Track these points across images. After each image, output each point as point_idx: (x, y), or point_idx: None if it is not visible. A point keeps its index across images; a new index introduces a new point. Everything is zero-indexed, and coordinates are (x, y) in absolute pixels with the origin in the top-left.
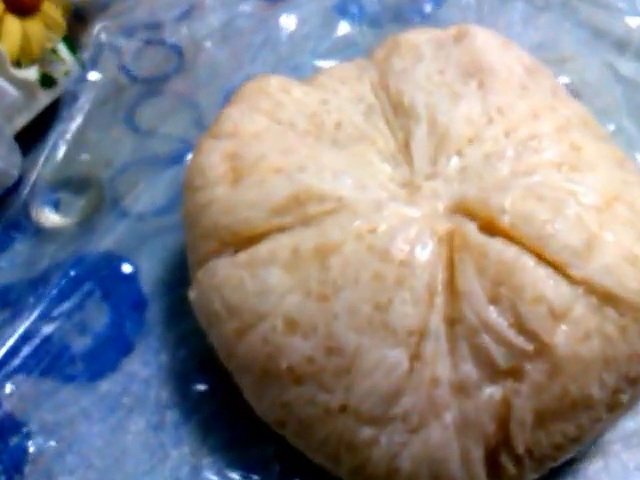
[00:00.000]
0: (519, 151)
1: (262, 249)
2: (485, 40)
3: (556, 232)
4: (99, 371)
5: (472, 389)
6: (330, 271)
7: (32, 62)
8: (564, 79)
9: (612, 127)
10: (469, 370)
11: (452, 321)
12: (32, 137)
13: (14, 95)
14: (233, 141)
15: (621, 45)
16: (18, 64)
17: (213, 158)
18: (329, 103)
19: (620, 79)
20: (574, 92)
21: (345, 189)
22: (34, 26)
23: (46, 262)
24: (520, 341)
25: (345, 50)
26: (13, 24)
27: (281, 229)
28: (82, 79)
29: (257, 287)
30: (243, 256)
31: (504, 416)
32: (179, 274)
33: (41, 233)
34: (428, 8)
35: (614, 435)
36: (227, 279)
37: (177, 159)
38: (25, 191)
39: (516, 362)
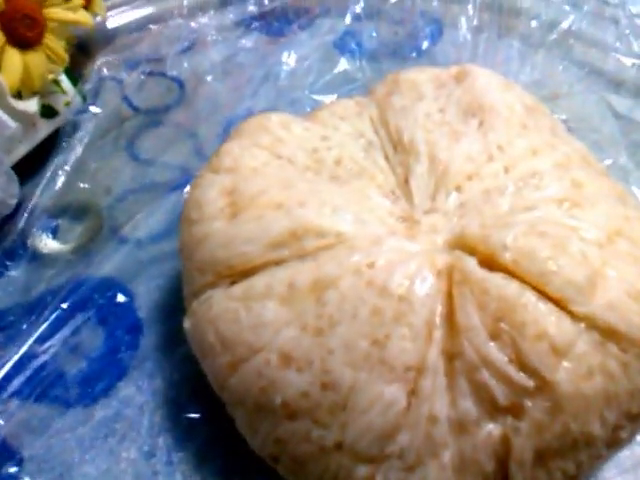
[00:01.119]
0: (519, 187)
1: (258, 282)
2: (486, 80)
3: (559, 269)
4: (93, 396)
5: (471, 426)
6: (327, 306)
7: (33, 93)
8: (560, 115)
9: (609, 162)
10: (468, 407)
11: (451, 356)
12: (32, 165)
13: (13, 127)
14: (232, 176)
15: (616, 83)
16: (19, 95)
17: (211, 193)
18: (329, 139)
19: (615, 115)
20: (570, 128)
21: (344, 224)
22: (35, 58)
23: (42, 287)
24: (521, 378)
25: (344, 85)
26: (14, 56)
27: (278, 263)
28: (84, 110)
29: (252, 320)
30: (239, 289)
31: (503, 454)
32: (175, 301)
33: (38, 259)
34: (425, 45)
35: (612, 471)
36: (222, 312)
37: (176, 187)
38: (22, 218)
39: (516, 399)
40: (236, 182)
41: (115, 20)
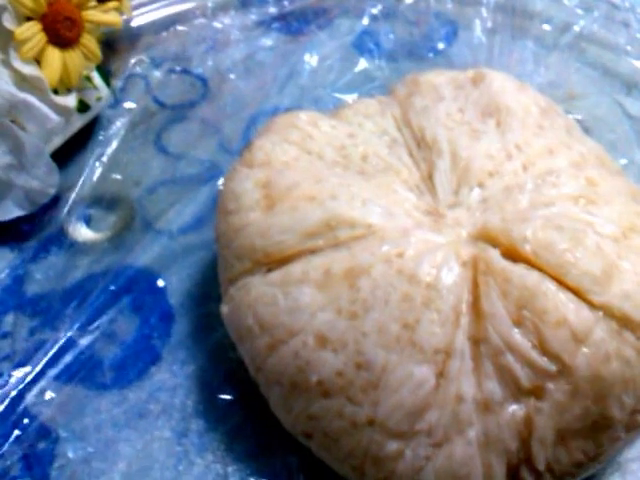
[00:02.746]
0: (538, 184)
1: (295, 269)
2: (501, 83)
3: (576, 260)
4: (128, 379)
5: (496, 406)
6: (360, 291)
7: (69, 90)
8: (576, 115)
9: (624, 161)
10: (493, 388)
11: (477, 340)
12: (65, 157)
13: (55, 120)
14: (266, 170)
15: (628, 85)
16: (55, 92)
17: (247, 185)
18: (355, 136)
19: (629, 116)
20: (585, 128)
21: (374, 216)
22: (73, 56)
23: (78, 275)
24: (543, 362)
25: (364, 84)
26: (54, 55)
27: (313, 251)
28: (113, 105)
29: (289, 304)
30: (276, 275)
31: (526, 433)
32: (205, 290)
33: (73, 247)
34: (441, 45)
35: (631, 454)
36: (260, 296)
37: (203, 181)
38: (60, 208)
39: (539, 382)
40: (270, 175)
41: (140, 19)
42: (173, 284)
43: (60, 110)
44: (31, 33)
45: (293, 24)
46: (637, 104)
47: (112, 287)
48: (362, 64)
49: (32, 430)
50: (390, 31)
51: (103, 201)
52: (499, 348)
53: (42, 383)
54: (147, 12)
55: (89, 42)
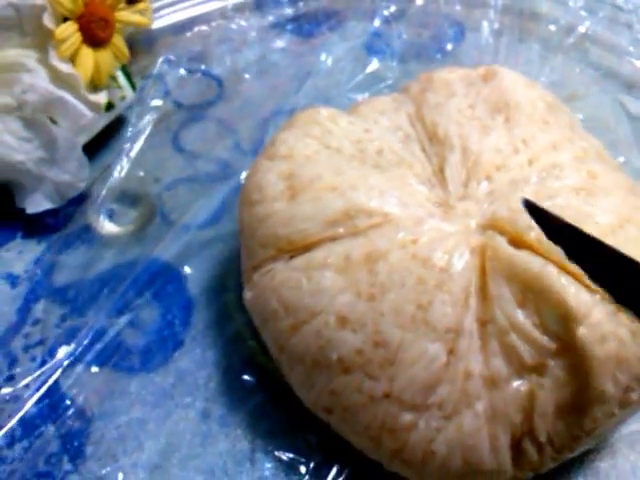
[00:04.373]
0: (542, 177)
1: (317, 255)
2: (512, 80)
3: None
4: (153, 364)
5: (501, 382)
6: (378, 275)
7: (95, 88)
8: (577, 115)
9: (622, 159)
10: (499, 365)
11: (484, 321)
12: (87, 155)
13: (89, 116)
14: (288, 163)
15: (629, 85)
16: None
17: (270, 177)
18: (371, 132)
19: (629, 116)
20: (586, 127)
21: (390, 206)
22: (105, 56)
23: (103, 266)
24: (544, 340)
25: (375, 84)
26: (88, 54)
27: (333, 239)
28: (134, 104)
29: (312, 287)
30: (299, 261)
31: (529, 407)
32: (223, 281)
33: (98, 240)
34: (449, 46)
35: (622, 437)
36: (284, 281)
37: (218, 178)
38: (85, 203)
39: (541, 359)
40: (292, 168)
41: (159, 22)
42: (193, 275)
43: (92, 107)
44: (69, 33)
45: (305, 26)
46: (637, 104)
47: (136, 278)
48: (373, 65)
49: (68, 410)
50: (400, 33)
51: (125, 197)
52: (504, 328)
53: (76, 367)
54: (166, 15)
55: (119, 42)
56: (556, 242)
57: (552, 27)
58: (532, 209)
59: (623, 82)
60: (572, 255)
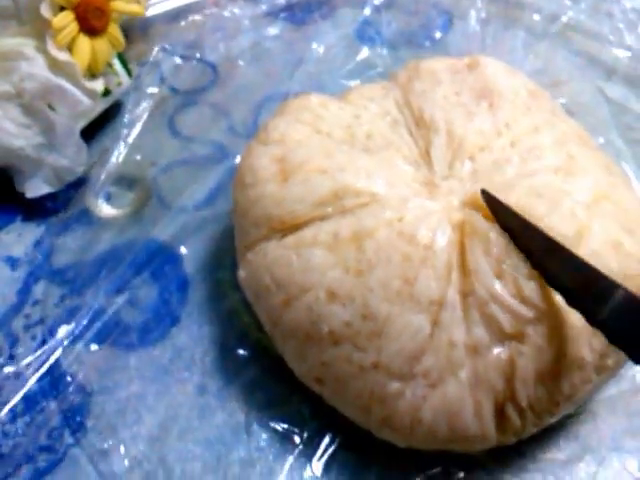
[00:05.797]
0: (523, 158)
1: (307, 234)
2: (495, 69)
3: (552, 223)
4: (151, 340)
5: (483, 350)
6: (365, 252)
7: (93, 75)
8: (560, 100)
9: (602, 140)
10: (480, 334)
11: (465, 294)
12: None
13: (87, 103)
14: (280, 147)
15: (609, 72)
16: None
17: (263, 161)
18: (361, 117)
19: (608, 101)
20: (569, 111)
21: (377, 186)
22: (101, 44)
23: (102, 247)
24: (522, 309)
25: (366, 71)
26: (85, 42)
27: (323, 218)
28: (135, 90)
29: (303, 264)
30: (290, 239)
31: (510, 374)
32: (218, 259)
33: (96, 222)
34: (438, 34)
35: (601, 401)
36: (276, 258)
37: (213, 161)
38: (83, 186)
39: (519, 327)
40: (284, 152)
41: (153, 9)
42: (189, 255)
43: (89, 94)
44: (66, 22)
45: (298, 14)
46: (617, 89)
47: (134, 258)
48: (364, 52)
49: (69, 387)
50: (390, 21)
51: (122, 180)
52: (484, 299)
53: (76, 345)
54: (160, 2)
55: (114, 31)
56: (506, 230)
57: (536, 16)
58: (488, 199)
59: (604, 69)
60: (519, 243)
